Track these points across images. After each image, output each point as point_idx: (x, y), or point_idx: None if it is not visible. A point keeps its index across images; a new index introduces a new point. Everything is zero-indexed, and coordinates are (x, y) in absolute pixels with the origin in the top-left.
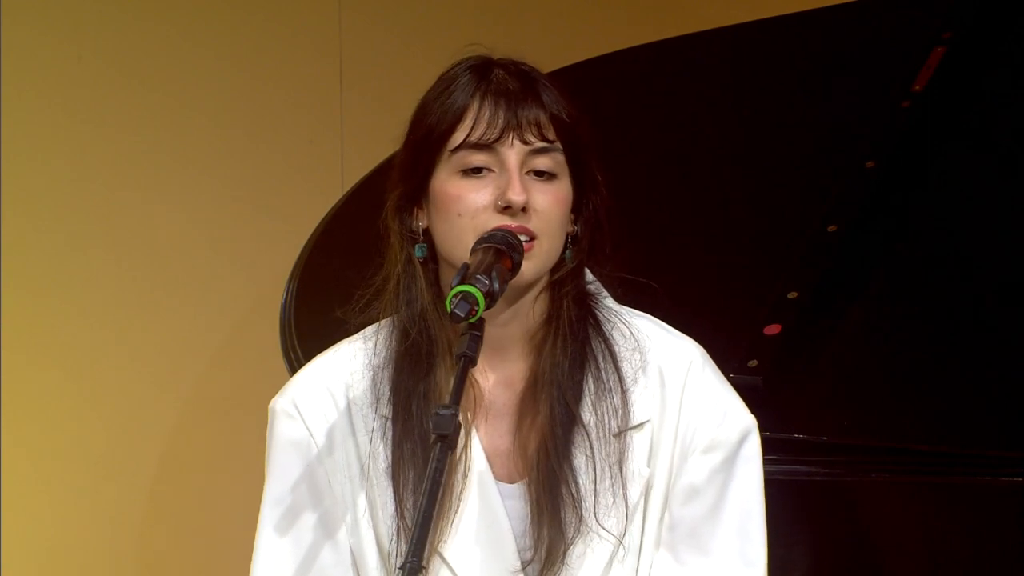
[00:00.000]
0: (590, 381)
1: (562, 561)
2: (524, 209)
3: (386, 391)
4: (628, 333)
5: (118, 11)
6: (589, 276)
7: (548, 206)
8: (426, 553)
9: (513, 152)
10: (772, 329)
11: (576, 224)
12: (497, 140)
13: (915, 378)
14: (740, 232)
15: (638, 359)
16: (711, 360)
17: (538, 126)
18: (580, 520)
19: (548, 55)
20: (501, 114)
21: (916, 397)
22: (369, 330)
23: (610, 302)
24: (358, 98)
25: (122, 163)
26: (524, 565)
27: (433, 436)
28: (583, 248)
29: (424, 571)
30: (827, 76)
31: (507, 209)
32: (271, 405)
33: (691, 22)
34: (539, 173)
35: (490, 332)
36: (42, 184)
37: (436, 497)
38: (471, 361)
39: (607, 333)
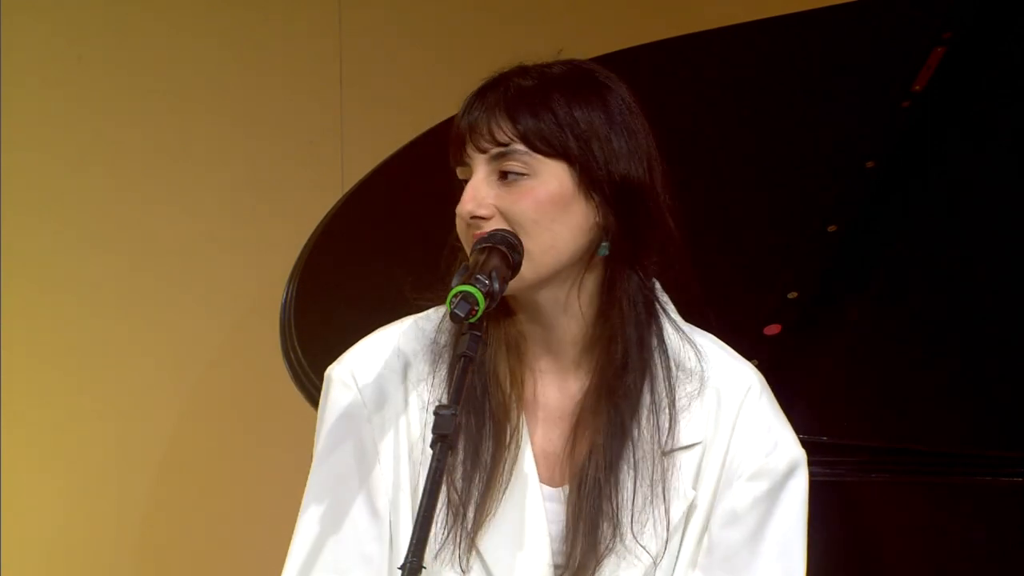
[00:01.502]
0: (646, 394)
1: (593, 574)
2: (485, 216)
3: (443, 375)
4: (692, 355)
5: (118, 11)
6: (658, 288)
7: (519, 208)
8: (464, 547)
9: (476, 161)
10: (772, 329)
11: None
12: (462, 152)
13: (915, 378)
14: (740, 232)
15: (697, 381)
16: (769, 389)
17: (489, 131)
18: (615, 534)
19: (548, 55)
20: (463, 124)
21: (917, 397)
22: (434, 312)
23: (677, 318)
24: (358, 98)
25: (122, 163)
26: (559, 572)
27: (433, 436)
28: (609, 235)
29: (424, 570)
30: (827, 76)
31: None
32: (328, 372)
33: (691, 22)
34: (505, 176)
35: (541, 332)
36: (42, 184)
37: (436, 497)
38: (471, 361)
39: (671, 350)
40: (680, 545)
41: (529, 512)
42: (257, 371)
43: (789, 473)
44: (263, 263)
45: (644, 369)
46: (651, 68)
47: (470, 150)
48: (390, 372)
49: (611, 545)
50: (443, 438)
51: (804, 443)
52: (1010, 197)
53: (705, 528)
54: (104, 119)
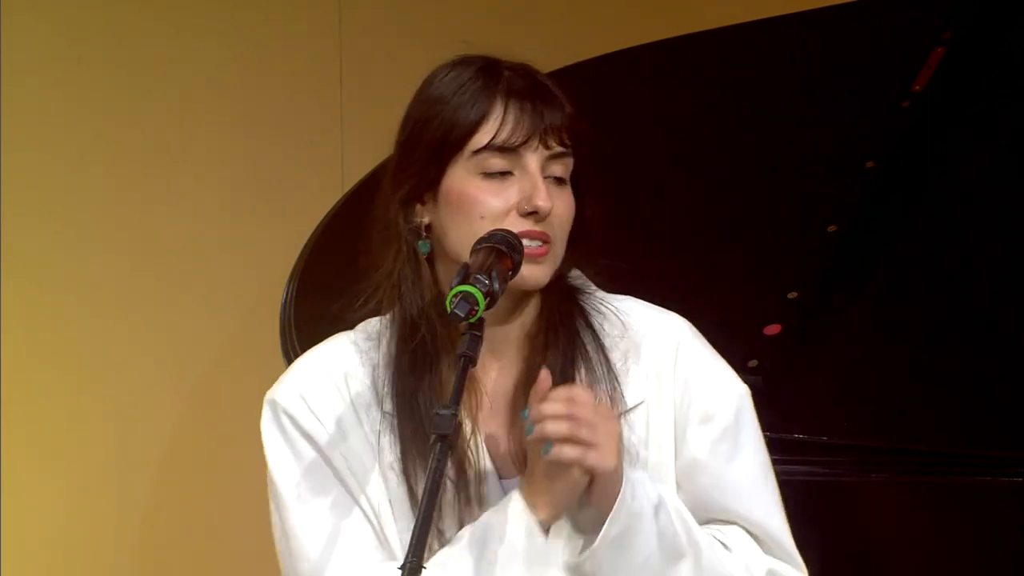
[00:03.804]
0: (582, 372)
1: None
2: (547, 217)
3: (388, 387)
4: (616, 320)
5: (118, 11)
6: (573, 271)
7: (563, 211)
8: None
9: (535, 157)
10: (772, 329)
11: (574, 228)
12: (523, 144)
13: (915, 378)
14: (740, 232)
15: (627, 343)
16: (699, 332)
17: (559, 132)
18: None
19: (548, 55)
20: (527, 118)
21: (916, 397)
22: (368, 324)
23: (596, 292)
24: (358, 98)
25: (122, 163)
26: None
27: (433, 436)
28: (577, 250)
29: (424, 570)
30: (827, 76)
31: (531, 214)
32: (271, 397)
33: (691, 22)
34: (556, 179)
35: (491, 332)
36: (42, 184)
37: (436, 497)
38: (471, 361)
39: (596, 324)
40: None
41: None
42: (257, 371)
43: (738, 410)
44: (263, 263)
45: (574, 350)
46: (651, 68)
47: (537, 144)
48: (337, 388)
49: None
50: (443, 438)
51: (804, 443)
52: (1010, 197)
53: (672, 482)
54: (104, 119)
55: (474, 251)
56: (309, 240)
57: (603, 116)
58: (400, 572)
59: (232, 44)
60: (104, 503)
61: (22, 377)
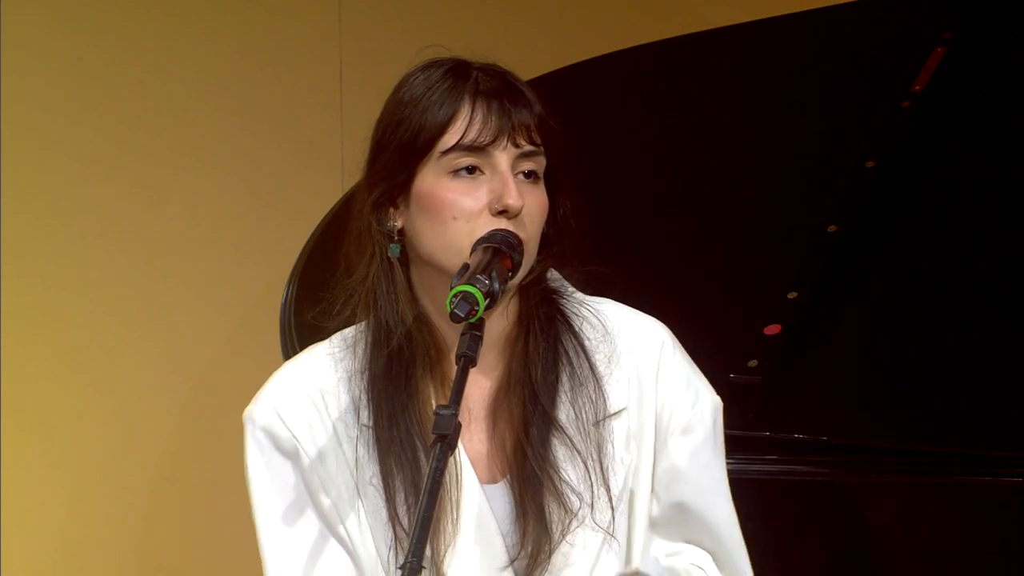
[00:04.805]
0: (564, 377)
1: (549, 556)
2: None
3: (364, 397)
4: (597, 322)
5: (119, 11)
6: (551, 273)
7: (534, 209)
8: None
9: (505, 155)
10: (772, 329)
11: (547, 226)
12: (491, 143)
13: (915, 378)
14: (740, 232)
15: (609, 346)
16: (677, 340)
17: (527, 129)
18: (566, 514)
19: (547, 55)
20: (494, 117)
21: (916, 397)
22: (345, 333)
23: (575, 294)
24: (358, 98)
25: (122, 163)
26: (511, 561)
27: (433, 436)
28: (553, 251)
29: (424, 571)
30: (827, 76)
31: (502, 213)
32: (248, 414)
33: (691, 22)
34: (527, 175)
35: None
36: (42, 184)
37: (436, 497)
38: (471, 361)
39: (577, 327)
40: (631, 511)
41: (474, 514)
42: (257, 371)
43: (714, 422)
44: (263, 263)
45: (556, 355)
46: (651, 68)
47: (506, 142)
48: (313, 404)
49: (564, 525)
50: (443, 438)
51: (804, 443)
52: (1010, 197)
53: (649, 488)
54: (104, 119)
55: (474, 251)
56: (309, 240)
57: (603, 116)
58: (400, 572)
59: (232, 44)
60: (104, 503)
61: (23, 377)
